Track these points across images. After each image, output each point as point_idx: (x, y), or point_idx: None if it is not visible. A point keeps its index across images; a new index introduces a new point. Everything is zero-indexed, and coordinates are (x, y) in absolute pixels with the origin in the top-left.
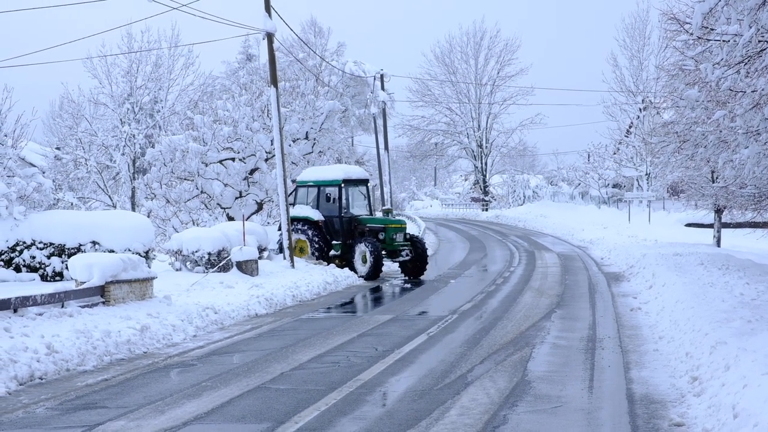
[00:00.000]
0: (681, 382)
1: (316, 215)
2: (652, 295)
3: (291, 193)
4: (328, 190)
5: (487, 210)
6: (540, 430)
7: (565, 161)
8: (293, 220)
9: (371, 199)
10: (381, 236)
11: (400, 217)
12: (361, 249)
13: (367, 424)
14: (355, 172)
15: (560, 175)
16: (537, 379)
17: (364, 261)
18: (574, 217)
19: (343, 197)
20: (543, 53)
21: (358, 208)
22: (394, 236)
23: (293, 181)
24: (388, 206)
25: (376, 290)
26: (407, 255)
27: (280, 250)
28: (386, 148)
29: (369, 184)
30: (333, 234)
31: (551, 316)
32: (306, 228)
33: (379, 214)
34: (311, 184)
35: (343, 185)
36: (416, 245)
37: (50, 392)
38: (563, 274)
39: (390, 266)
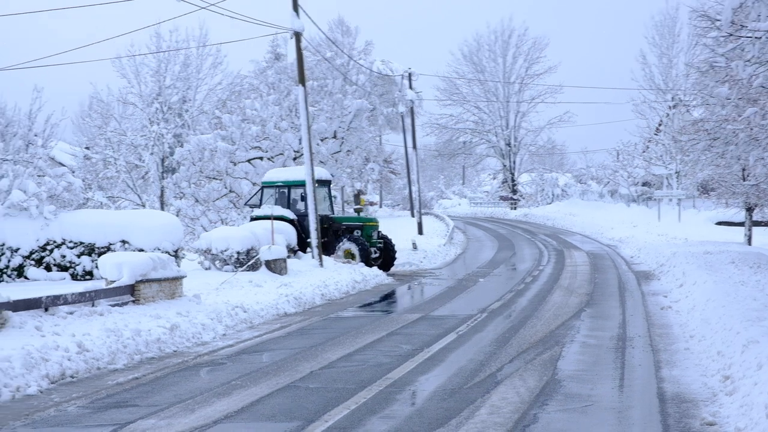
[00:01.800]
0: (713, 381)
1: (291, 214)
2: (683, 294)
3: (254, 194)
4: (300, 190)
5: (515, 208)
6: (571, 429)
7: (594, 159)
8: (264, 219)
9: (332, 199)
10: (357, 233)
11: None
12: (346, 246)
13: (397, 423)
14: (323, 173)
15: (589, 173)
16: (567, 378)
17: (351, 257)
18: (603, 215)
19: (318, 197)
20: (571, 51)
21: (321, 208)
22: (371, 234)
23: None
24: (359, 206)
25: (404, 289)
26: (376, 252)
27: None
28: (414, 146)
29: (331, 185)
30: (306, 233)
31: (581, 315)
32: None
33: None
34: (280, 184)
35: (317, 185)
36: (386, 242)
37: (81, 390)
38: (593, 272)
39: (419, 264)
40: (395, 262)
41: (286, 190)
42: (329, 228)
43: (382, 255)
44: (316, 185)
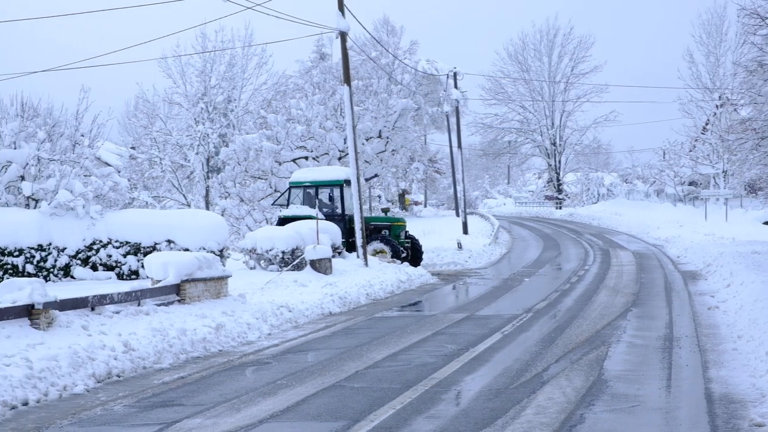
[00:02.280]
0: (761, 382)
1: (319, 215)
2: (730, 294)
3: (282, 194)
4: (328, 190)
5: (560, 208)
6: (617, 430)
7: (639, 159)
8: (293, 220)
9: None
10: (385, 233)
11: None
12: (377, 246)
13: (443, 423)
14: (348, 173)
15: (635, 172)
16: (614, 378)
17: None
18: (649, 215)
19: (345, 197)
20: (617, 50)
21: (346, 208)
22: (399, 233)
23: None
24: (386, 206)
25: (449, 289)
26: (404, 252)
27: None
28: (459, 146)
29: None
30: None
31: (627, 315)
32: None
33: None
34: (307, 184)
35: (345, 185)
36: (413, 242)
37: (127, 390)
38: (639, 272)
39: (464, 264)
40: (436, 263)
41: (313, 190)
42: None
43: (410, 254)
44: (344, 185)
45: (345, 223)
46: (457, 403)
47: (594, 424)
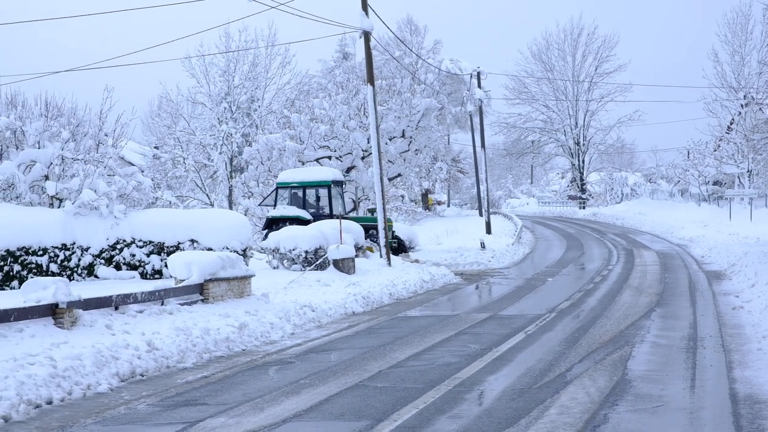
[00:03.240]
0: None
1: (307, 215)
2: (755, 294)
3: (269, 195)
4: (315, 190)
5: (584, 208)
6: (641, 430)
7: (663, 158)
8: (282, 220)
9: (344, 199)
10: (373, 233)
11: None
12: (368, 244)
13: (466, 423)
14: (338, 173)
15: (659, 172)
16: (637, 379)
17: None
18: (673, 214)
19: (333, 197)
20: (642, 49)
21: (334, 208)
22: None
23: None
24: (372, 206)
25: (472, 288)
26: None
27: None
28: (483, 145)
29: (343, 186)
30: None
31: (651, 315)
32: None
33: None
34: (295, 185)
35: (332, 185)
36: (400, 242)
37: (151, 389)
38: (662, 272)
39: (487, 264)
40: (459, 262)
41: (300, 191)
42: None
43: (397, 253)
44: (332, 186)
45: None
46: (480, 403)
47: (617, 424)
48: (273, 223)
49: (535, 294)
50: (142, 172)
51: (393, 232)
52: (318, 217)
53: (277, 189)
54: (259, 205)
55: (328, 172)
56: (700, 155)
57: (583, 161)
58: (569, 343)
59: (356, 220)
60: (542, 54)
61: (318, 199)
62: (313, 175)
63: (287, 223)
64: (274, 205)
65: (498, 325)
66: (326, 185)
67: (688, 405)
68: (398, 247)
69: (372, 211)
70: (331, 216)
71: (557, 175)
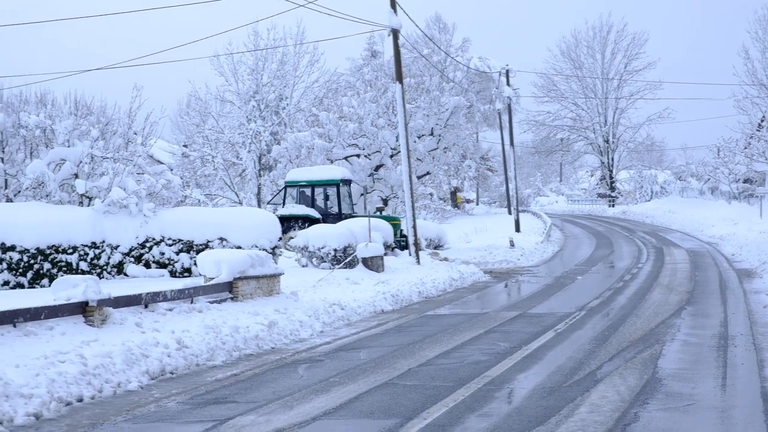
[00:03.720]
0: None
1: (315, 213)
2: None
3: (277, 193)
4: (323, 189)
5: (613, 206)
6: (672, 429)
7: (693, 156)
8: (291, 219)
9: (351, 198)
10: None
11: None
12: None
13: (496, 421)
14: (346, 172)
15: (689, 170)
16: (668, 377)
17: None
18: (703, 212)
19: (341, 196)
20: (671, 46)
21: (342, 207)
22: (396, 231)
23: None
24: (380, 205)
25: (501, 287)
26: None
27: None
28: (511, 143)
29: (351, 185)
30: None
31: (681, 313)
32: (307, 226)
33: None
34: (303, 183)
35: (341, 184)
36: (406, 240)
37: (181, 387)
38: (693, 270)
39: (516, 262)
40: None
41: (309, 190)
42: None
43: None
44: (340, 185)
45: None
46: (510, 401)
47: (648, 422)
48: (281, 222)
49: (565, 292)
50: (171, 170)
51: (401, 230)
52: (326, 215)
53: (285, 188)
54: (268, 203)
55: (337, 170)
56: (730, 153)
57: (613, 159)
58: (599, 341)
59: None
60: (571, 52)
61: (326, 197)
62: (322, 174)
63: (295, 222)
64: (283, 204)
65: (527, 323)
66: (335, 184)
67: (720, 404)
68: (405, 246)
69: (380, 209)
70: (339, 215)
71: (586, 173)
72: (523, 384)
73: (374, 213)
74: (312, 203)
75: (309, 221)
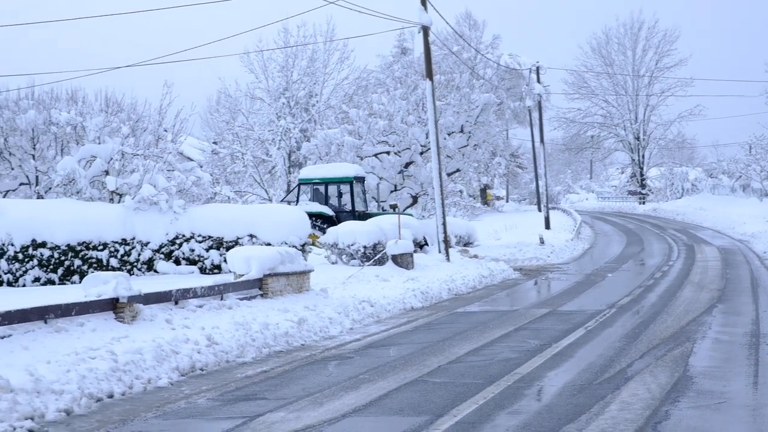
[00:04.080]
0: None
1: (329, 211)
2: None
3: (290, 191)
4: (337, 186)
5: (644, 203)
6: (703, 427)
7: (725, 153)
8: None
9: (365, 195)
10: None
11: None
12: None
13: (526, 418)
14: (360, 169)
15: (720, 167)
16: (699, 375)
17: None
18: (734, 210)
19: (355, 193)
20: (703, 43)
21: (356, 204)
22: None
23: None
24: (393, 202)
25: (531, 284)
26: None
27: None
28: (542, 140)
29: (364, 182)
30: None
31: (712, 311)
32: (320, 223)
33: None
34: (317, 181)
35: (354, 182)
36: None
37: (211, 383)
38: (724, 268)
39: (546, 259)
40: (518, 258)
41: (322, 187)
42: None
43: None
44: (354, 182)
45: (355, 218)
46: (540, 399)
47: (679, 420)
48: None
49: (595, 289)
50: (201, 167)
51: None
52: (339, 213)
53: (299, 185)
54: (281, 201)
55: (351, 168)
56: (762, 150)
57: (643, 156)
58: (629, 339)
59: (376, 216)
60: (602, 48)
61: (340, 195)
62: (335, 172)
63: (311, 219)
64: (297, 202)
65: (557, 320)
66: (348, 181)
67: (751, 402)
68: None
69: (394, 207)
70: (353, 212)
71: (617, 171)
72: (553, 381)
73: (387, 211)
74: (326, 201)
75: (322, 219)
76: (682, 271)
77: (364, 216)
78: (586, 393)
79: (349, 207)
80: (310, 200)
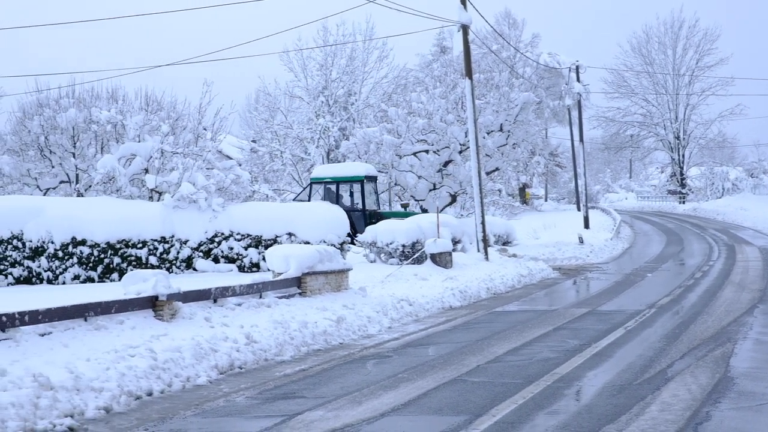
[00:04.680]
0: None
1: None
2: None
3: (302, 190)
4: (348, 186)
5: (683, 203)
6: (745, 428)
7: (766, 153)
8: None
9: (377, 194)
10: None
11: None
12: None
13: (565, 419)
14: (369, 169)
15: (761, 167)
16: (740, 376)
17: None
18: None
19: (366, 192)
20: (744, 42)
21: (368, 203)
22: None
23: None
24: (405, 201)
25: (570, 283)
26: None
27: None
28: (581, 140)
29: (377, 181)
30: (355, 228)
31: (753, 312)
32: None
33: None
34: (329, 180)
35: (365, 181)
36: None
37: (249, 381)
38: (765, 268)
39: (585, 259)
40: (557, 257)
41: (334, 186)
42: (377, 222)
43: None
44: (364, 181)
45: (365, 217)
46: (579, 399)
47: (720, 422)
48: None
49: (635, 289)
50: (240, 165)
51: None
52: (351, 212)
53: (311, 184)
54: (293, 200)
55: (361, 167)
56: None
57: (683, 156)
58: (669, 339)
59: (387, 214)
60: (642, 47)
61: (351, 194)
62: (347, 171)
63: None
64: (309, 200)
65: (597, 320)
66: (359, 180)
67: None
68: None
69: (405, 206)
70: (363, 211)
71: (656, 170)
72: (592, 382)
73: (398, 209)
74: (337, 200)
75: None
76: (722, 271)
77: (375, 215)
78: (626, 393)
79: (360, 206)
80: (322, 199)
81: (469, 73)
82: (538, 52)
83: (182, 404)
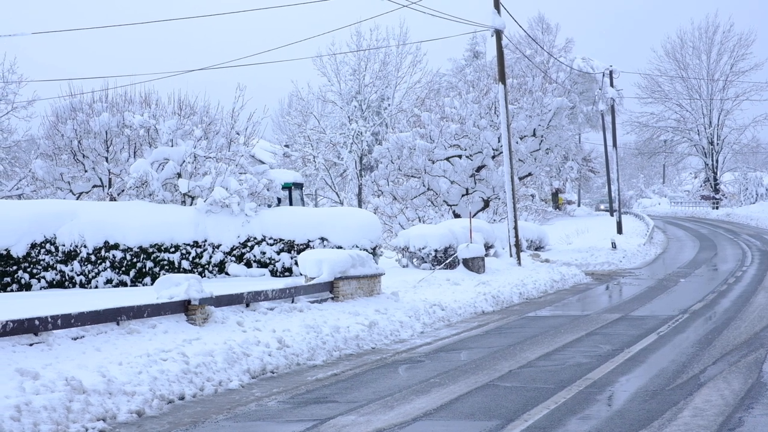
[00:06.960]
0: None
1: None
2: None
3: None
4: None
5: (717, 208)
6: None
7: None
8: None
9: (303, 202)
10: None
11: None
12: None
13: (597, 424)
14: (298, 176)
15: None
16: None
17: None
18: None
19: (293, 200)
20: None
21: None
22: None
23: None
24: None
25: (602, 289)
26: None
27: None
28: (614, 145)
29: (302, 188)
30: None
31: None
32: None
33: None
34: None
35: (293, 188)
36: None
37: (281, 386)
38: None
39: (618, 264)
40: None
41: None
42: None
43: None
44: (292, 188)
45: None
46: (611, 404)
47: (753, 427)
48: None
49: (667, 295)
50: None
51: None
52: None
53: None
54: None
55: (288, 174)
56: None
57: (717, 161)
58: (702, 344)
59: None
60: (676, 52)
61: (279, 201)
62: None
63: None
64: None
65: (629, 325)
66: (286, 188)
67: None
68: None
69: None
70: None
71: (690, 175)
72: (624, 387)
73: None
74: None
75: None
76: (755, 277)
77: None
78: (659, 399)
79: None
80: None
81: (502, 77)
82: (572, 57)
83: (214, 408)
